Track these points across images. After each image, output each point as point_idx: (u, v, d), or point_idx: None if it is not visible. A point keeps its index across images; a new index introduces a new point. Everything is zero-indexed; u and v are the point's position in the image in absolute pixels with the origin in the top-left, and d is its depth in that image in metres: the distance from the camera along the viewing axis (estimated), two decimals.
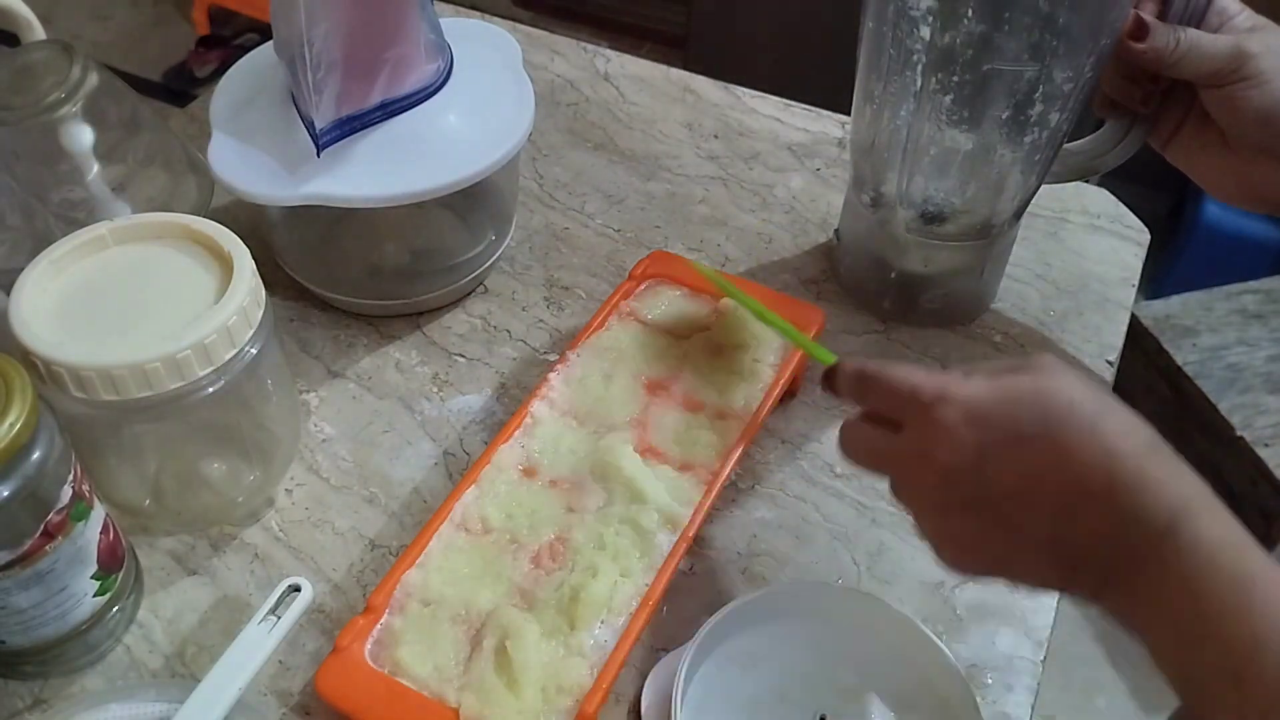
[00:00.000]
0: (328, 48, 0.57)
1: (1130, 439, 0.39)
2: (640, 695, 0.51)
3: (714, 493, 0.55)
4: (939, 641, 0.49)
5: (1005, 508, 0.40)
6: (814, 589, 0.52)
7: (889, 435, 0.45)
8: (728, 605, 0.50)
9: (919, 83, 0.58)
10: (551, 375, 0.60)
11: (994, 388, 0.41)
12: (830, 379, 0.48)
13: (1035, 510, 0.40)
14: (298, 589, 0.51)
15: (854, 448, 0.47)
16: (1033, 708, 0.53)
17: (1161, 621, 0.38)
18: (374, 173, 0.60)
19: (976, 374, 0.43)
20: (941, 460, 0.41)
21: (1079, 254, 0.76)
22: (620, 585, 0.52)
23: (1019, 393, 0.41)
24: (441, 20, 0.65)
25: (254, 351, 0.52)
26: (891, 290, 0.69)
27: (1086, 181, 0.78)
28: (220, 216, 0.55)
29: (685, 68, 0.92)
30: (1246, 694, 0.35)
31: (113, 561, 0.51)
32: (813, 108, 0.88)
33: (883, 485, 0.61)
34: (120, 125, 0.63)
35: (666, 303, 0.65)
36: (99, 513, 0.49)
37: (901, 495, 0.45)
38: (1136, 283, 0.75)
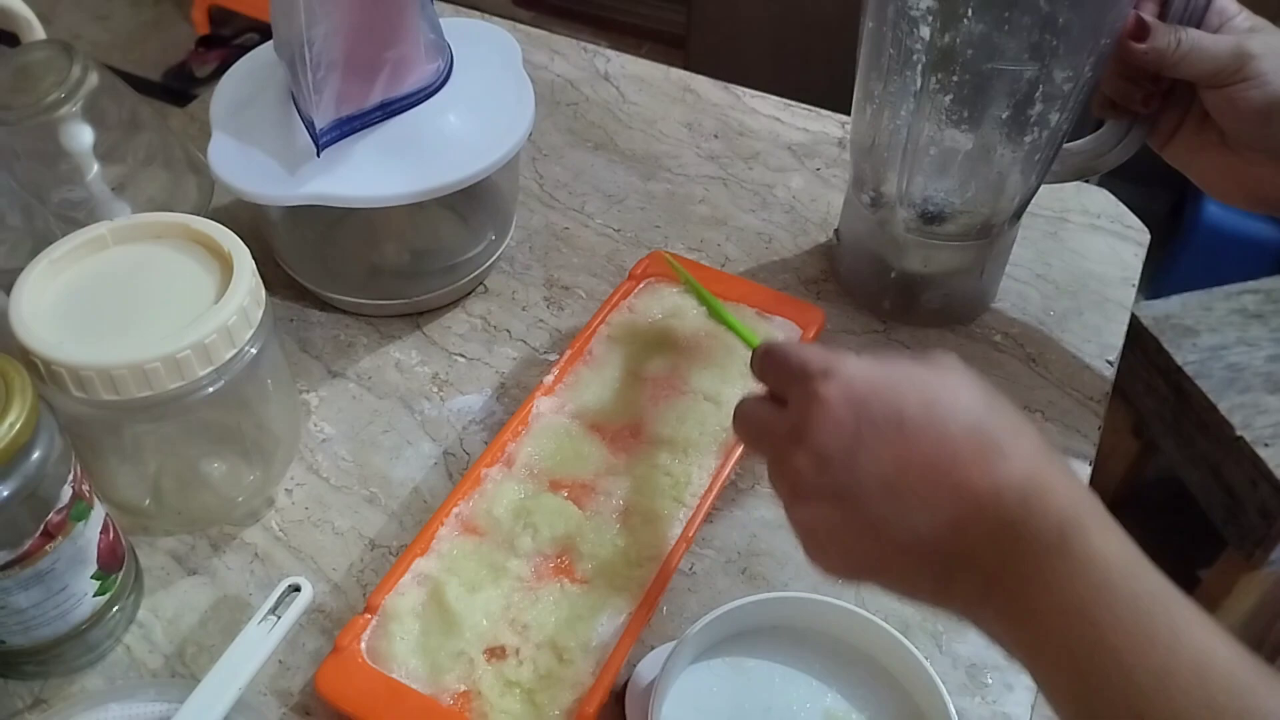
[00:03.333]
0: (328, 48, 0.57)
1: (1020, 442, 0.37)
2: (627, 683, 0.51)
3: (714, 493, 0.56)
4: (926, 664, 0.48)
5: (876, 500, 0.38)
6: (810, 604, 0.50)
7: (774, 411, 0.42)
8: (721, 607, 0.49)
9: (919, 83, 0.58)
10: (549, 378, 0.61)
11: (883, 370, 0.39)
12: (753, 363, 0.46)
13: (909, 505, 0.37)
14: (298, 589, 0.51)
15: (741, 424, 0.45)
16: (1033, 708, 0.53)
17: (1052, 645, 0.35)
18: (374, 173, 0.60)
19: (870, 356, 0.40)
20: (815, 440, 0.39)
21: (1079, 254, 0.76)
22: (620, 586, 0.52)
23: (907, 379, 0.39)
24: (441, 20, 0.65)
25: (254, 351, 0.52)
26: (891, 290, 0.69)
27: (1086, 181, 0.78)
28: (220, 216, 0.55)
29: (685, 68, 0.92)
30: None
31: (113, 561, 0.51)
32: (813, 108, 0.88)
33: None
34: (120, 125, 0.63)
35: (666, 303, 0.65)
36: (99, 512, 0.49)
37: (774, 479, 0.42)
38: (1136, 283, 0.75)
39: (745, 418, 0.45)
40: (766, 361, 0.44)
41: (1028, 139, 0.59)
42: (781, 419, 0.41)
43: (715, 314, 0.61)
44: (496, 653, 0.50)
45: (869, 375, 0.39)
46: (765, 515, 0.60)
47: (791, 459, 0.40)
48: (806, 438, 0.39)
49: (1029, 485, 0.36)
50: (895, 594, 0.40)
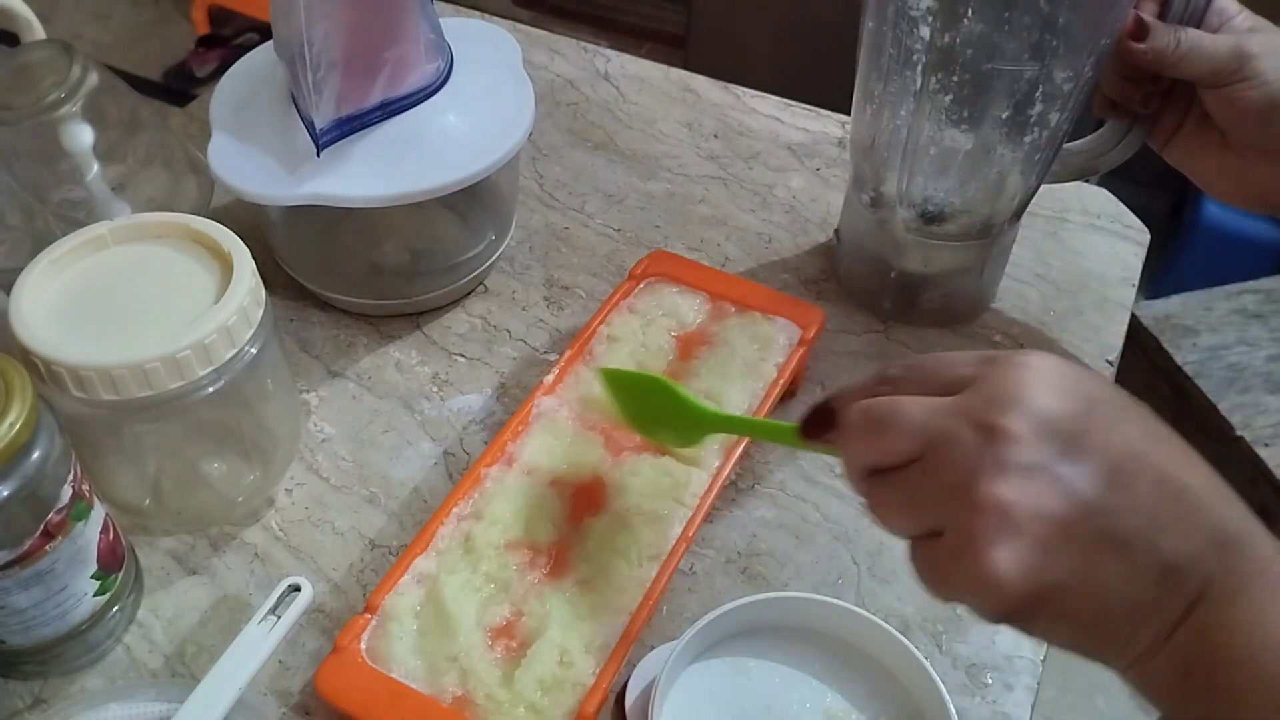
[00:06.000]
0: (328, 48, 0.57)
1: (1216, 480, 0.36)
2: (627, 683, 0.51)
3: (714, 492, 0.55)
4: (926, 664, 0.48)
5: (1103, 482, 0.33)
6: (810, 604, 0.50)
7: (936, 399, 0.36)
8: (721, 607, 0.49)
9: (919, 82, 0.58)
10: (549, 379, 0.61)
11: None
12: (824, 414, 0.40)
13: (1138, 496, 0.33)
14: (298, 589, 0.51)
15: (869, 411, 0.37)
16: (1033, 707, 0.53)
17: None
18: (374, 173, 0.60)
19: None
20: (1034, 403, 0.34)
21: (1079, 254, 0.76)
22: (620, 586, 0.52)
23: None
24: (441, 20, 0.65)
25: (254, 351, 0.52)
26: (891, 290, 0.69)
27: (1086, 181, 0.78)
28: (220, 216, 0.55)
29: (685, 68, 0.92)
30: None
31: (113, 561, 0.51)
32: (813, 108, 0.88)
33: None
34: (120, 125, 0.63)
35: (666, 302, 0.65)
36: (99, 512, 0.49)
37: (945, 459, 0.34)
38: (1136, 282, 0.75)
39: (877, 404, 0.37)
40: (906, 367, 0.39)
41: (1028, 139, 0.59)
42: (961, 398, 0.35)
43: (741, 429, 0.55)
44: (496, 653, 0.50)
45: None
46: (765, 515, 0.60)
47: (992, 423, 0.34)
48: (1021, 402, 0.34)
49: (1248, 522, 0.34)
50: (1072, 617, 0.34)
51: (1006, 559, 0.33)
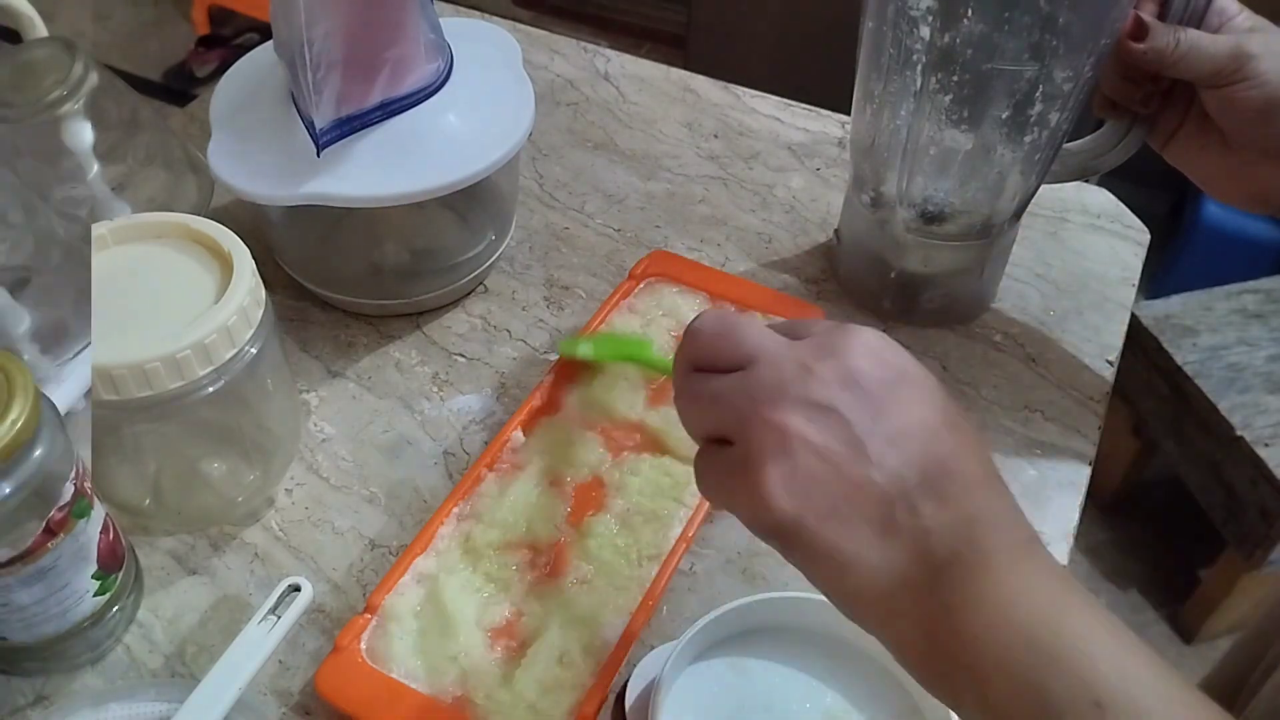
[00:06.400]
0: (328, 48, 0.57)
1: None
2: (627, 683, 0.51)
3: None
4: None
5: (886, 441, 0.36)
6: (810, 604, 0.50)
7: (783, 338, 0.39)
8: (721, 607, 0.49)
9: (919, 82, 0.58)
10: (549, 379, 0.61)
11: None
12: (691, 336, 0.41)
13: (912, 456, 0.36)
14: (298, 589, 0.51)
15: (717, 323, 0.40)
16: None
17: (1004, 633, 0.34)
18: (374, 173, 0.60)
19: None
20: (851, 360, 0.37)
21: (1079, 254, 0.76)
22: (620, 586, 0.52)
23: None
24: (441, 20, 0.65)
25: (254, 351, 0.52)
26: (891, 290, 0.69)
27: (1086, 181, 0.78)
28: (220, 216, 0.55)
29: (685, 68, 0.92)
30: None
31: (113, 561, 0.51)
32: (813, 108, 0.88)
33: None
34: (120, 125, 0.63)
35: (666, 302, 0.65)
36: (99, 511, 0.49)
37: (759, 375, 0.37)
38: (1136, 282, 0.75)
39: (729, 315, 0.40)
40: (780, 322, 0.42)
41: (1028, 139, 0.59)
42: (799, 342, 0.38)
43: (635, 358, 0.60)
44: (496, 653, 0.50)
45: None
46: None
47: (810, 364, 0.37)
48: (839, 355, 0.37)
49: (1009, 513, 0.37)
50: (825, 554, 0.36)
51: (775, 478, 0.36)
